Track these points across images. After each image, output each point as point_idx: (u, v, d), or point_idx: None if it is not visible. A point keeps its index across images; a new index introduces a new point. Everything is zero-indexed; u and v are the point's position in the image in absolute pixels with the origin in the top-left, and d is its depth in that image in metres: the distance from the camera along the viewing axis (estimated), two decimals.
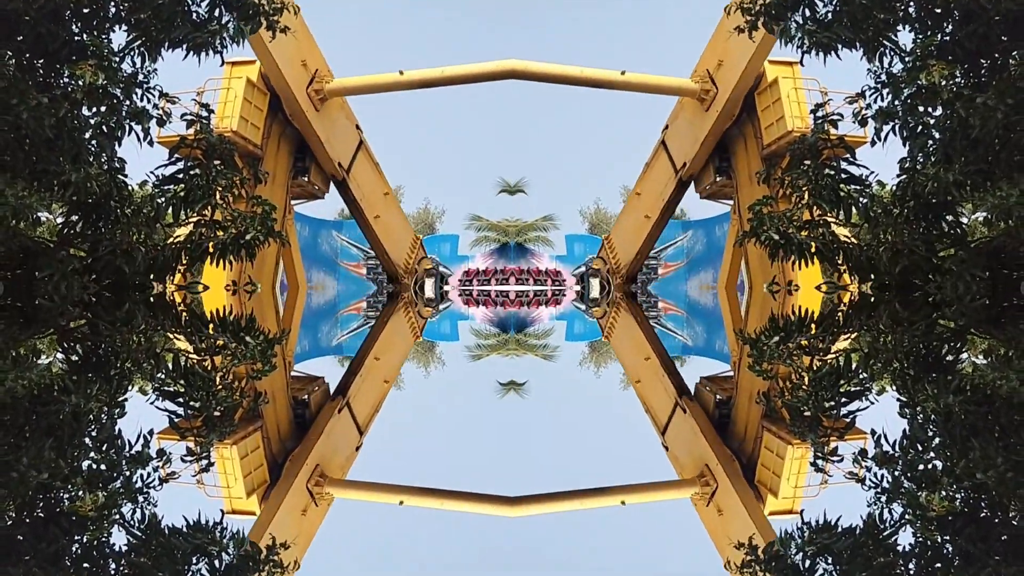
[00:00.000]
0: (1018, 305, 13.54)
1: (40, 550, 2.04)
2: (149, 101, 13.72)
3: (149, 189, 17.21)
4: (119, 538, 2.18)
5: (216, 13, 13.46)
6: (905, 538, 2.20)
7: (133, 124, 13.57)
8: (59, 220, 14.11)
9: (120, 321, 13.86)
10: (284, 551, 2.09)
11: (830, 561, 2.04)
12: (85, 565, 1.96)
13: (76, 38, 12.67)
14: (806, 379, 5.70)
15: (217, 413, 3.98)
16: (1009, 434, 3.42)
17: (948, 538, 2.19)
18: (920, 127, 13.34)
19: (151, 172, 17.33)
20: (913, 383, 5.30)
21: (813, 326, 13.12)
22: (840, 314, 17.88)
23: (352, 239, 38.66)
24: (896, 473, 2.88)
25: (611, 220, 43.59)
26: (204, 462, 3.03)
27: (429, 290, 26.82)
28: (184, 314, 17.35)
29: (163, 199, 16.53)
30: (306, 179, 24.58)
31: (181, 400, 4.54)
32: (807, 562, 2.03)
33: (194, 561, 2.03)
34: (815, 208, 17.51)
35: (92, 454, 3.15)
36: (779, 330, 10.83)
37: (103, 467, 2.94)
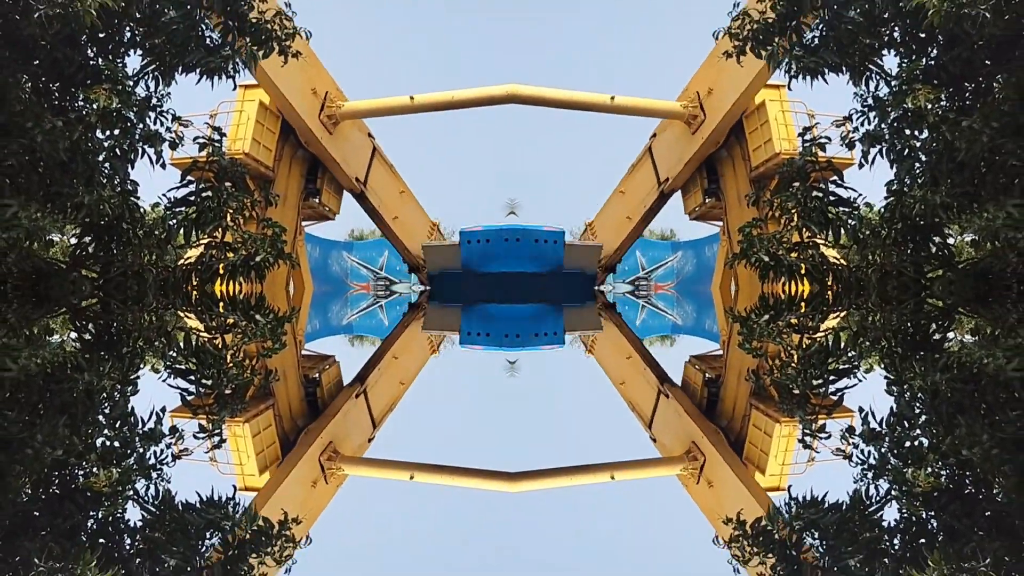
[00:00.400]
0: (1004, 285, 13.52)
1: (56, 525, 2.05)
2: (162, 124, 13.63)
3: (161, 211, 17.07)
4: (133, 514, 2.19)
5: (229, 38, 13.30)
6: (891, 514, 2.21)
7: (146, 147, 13.50)
8: (72, 241, 14.04)
9: (132, 300, 13.86)
10: (296, 526, 2.10)
11: (817, 536, 2.05)
12: (101, 541, 1.96)
13: (91, 62, 12.56)
14: (795, 357, 5.70)
15: (228, 391, 3.98)
16: (995, 411, 3.43)
17: (933, 514, 2.20)
18: (907, 150, 13.25)
19: (163, 195, 17.20)
20: (901, 361, 5.31)
21: (803, 305, 13.09)
22: (830, 293, 17.88)
23: (362, 259, 38.25)
24: (883, 450, 2.88)
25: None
26: (216, 439, 3.04)
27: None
28: (195, 293, 17.35)
29: (175, 221, 16.44)
30: (317, 200, 24.30)
31: (193, 378, 4.55)
32: (794, 537, 2.04)
33: (207, 536, 2.04)
34: (804, 230, 17.46)
35: (106, 431, 3.15)
36: (769, 308, 10.81)
37: (117, 444, 2.95)
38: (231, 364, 5.20)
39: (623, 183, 25.42)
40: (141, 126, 13.23)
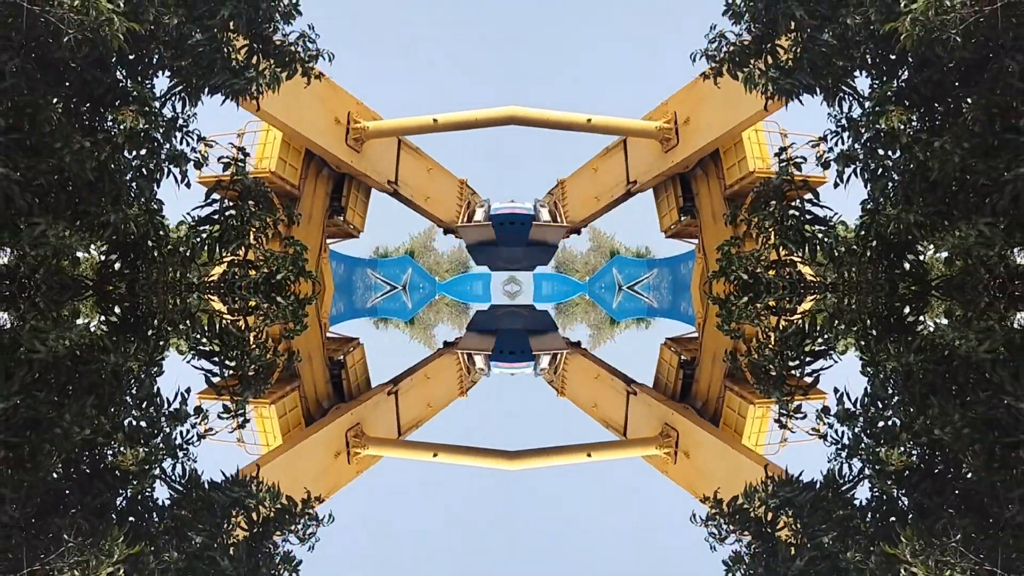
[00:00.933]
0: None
1: (86, 503, 2.04)
2: (188, 144, 13.47)
3: (185, 229, 16.89)
4: (161, 493, 2.18)
5: (254, 60, 13.17)
6: (863, 492, 2.20)
7: (171, 167, 13.33)
8: (100, 258, 13.92)
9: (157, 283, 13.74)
10: (318, 504, 2.09)
11: (791, 514, 2.03)
12: (130, 519, 1.96)
13: (120, 84, 12.39)
14: (772, 339, 5.66)
15: (252, 372, 3.95)
16: (966, 392, 3.41)
17: (904, 492, 2.19)
18: (880, 169, 13.10)
19: (187, 213, 16.98)
20: (875, 343, 5.28)
21: (781, 287, 12.98)
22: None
23: (386, 277, 37.74)
24: (856, 430, 2.87)
25: (577, 259, 41.24)
26: (240, 419, 3.02)
27: (480, 215, 26.07)
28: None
29: (199, 239, 16.26)
30: (342, 219, 23.87)
31: (216, 359, 4.52)
32: (769, 515, 2.03)
33: (233, 514, 2.03)
34: (781, 248, 17.28)
35: (133, 412, 3.14)
36: (748, 290, 10.72)
37: (143, 424, 2.94)
38: (254, 346, 5.16)
39: (597, 161, 25.01)
40: (167, 146, 13.10)
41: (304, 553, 1.75)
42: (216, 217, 17.23)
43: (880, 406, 3.35)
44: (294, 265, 18.00)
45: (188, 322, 6.44)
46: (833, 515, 1.99)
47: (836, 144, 13.51)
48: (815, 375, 4.07)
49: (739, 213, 19.45)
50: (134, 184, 12.81)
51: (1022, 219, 10.64)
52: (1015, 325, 5.90)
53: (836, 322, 6.62)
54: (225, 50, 12.82)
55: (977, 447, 2.57)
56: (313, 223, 22.28)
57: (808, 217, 17.55)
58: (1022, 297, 10.43)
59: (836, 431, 2.85)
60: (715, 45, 13.76)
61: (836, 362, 4.49)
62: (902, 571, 1.63)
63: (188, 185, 13.76)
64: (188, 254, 15.08)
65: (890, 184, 12.83)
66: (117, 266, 13.70)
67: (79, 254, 12.34)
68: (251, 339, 5.42)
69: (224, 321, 7.03)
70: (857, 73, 12.83)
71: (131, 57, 11.49)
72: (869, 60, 12.39)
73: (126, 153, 12.49)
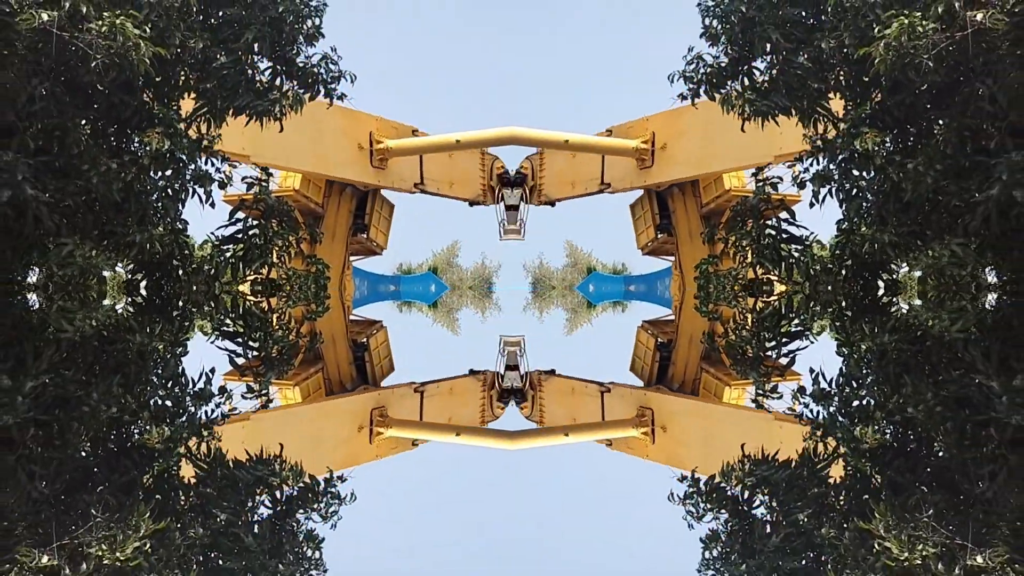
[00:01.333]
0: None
1: (113, 480, 2.04)
2: (212, 165, 13.32)
3: (209, 248, 16.68)
4: (186, 471, 2.17)
5: (277, 82, 12.91)
6: (838, 471, 2.19)
7: (196, 187, 13.20)
8: (125, 277, 13.80)
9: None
10: (341, 483, 2.07)
11: (767, 492, 2.02)
12: (157, 497, 1.95)
13: (146, 107, 12.22)
14: (749, 320, 5.60)
15: (275, 353, 3.90)
16: (939, 371, 3.38)
17: (878, 470, 2.19)
18: (855, 190, 12.99)
19: (211, 232, 16.77)
20: (850, 323, 5.25)
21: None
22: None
23: (410, 295, 36.77)
24: (832, 409, 2.86)
25: (554, 275, 39.22)
26: (264, 399, 2.99)
27: (511, 199, 25.16)
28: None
29: (223, 258, 16.04)
30: (365, 236, 23.37)
31: (240, 340, 4.47)
32: (746, 493, 2.01)
33: (257, 492, 2.02)
34: (758, 267, 17.12)
35: (158, 391, 3.13)
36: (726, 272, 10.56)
37: (169, 403, 2.93)
38: (277, 327, 5.10)
39: (577, 149, 24.43)
40: (192, 167, 12.97)
41: (327, 531, 1.75)
42: (240, 236, 17.04)
43: (855, 386, 3.33)
44: (316, 283, 17.76)
45: (212, 303, 6.38)
46: (808, 493, 1.98)
47: (811, 164, 13.46)
48: (791, 356, 4.03)
49: (716, 232, 19.25)
50: (159, 204, 12.73)
51: (993, 240, 10.55)
52: (986, 306, 5.86)
53: (812, 303, 6.57)
54: (249, 72, 12.65)
55: (949, 425, 2.56)
56: (337, 241, 21.92)
57: (784, 236, 17.43)
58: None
59: (812, 411, 2.84)
60: (692, 67, 13.57)
61: (812, 343, 4.46)
62: (875, 546, 1.62)
63: (212, 205, 13.66)
64: (212, 272, 15.00)
65: (864, 204, 12.78)
66: (143, 285, 13.64)
67: (105, 273, 12.26)
68: (274, 320, 5.36)
69: (247, 302, 6.95)
70: (832, 95, 12.78)
71: (157, 79, 11.36)
72: (844, 82, 12.31)
73: (152, 174, 12.38)
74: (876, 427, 2.58)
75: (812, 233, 17.09)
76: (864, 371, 3.68)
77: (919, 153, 11.20)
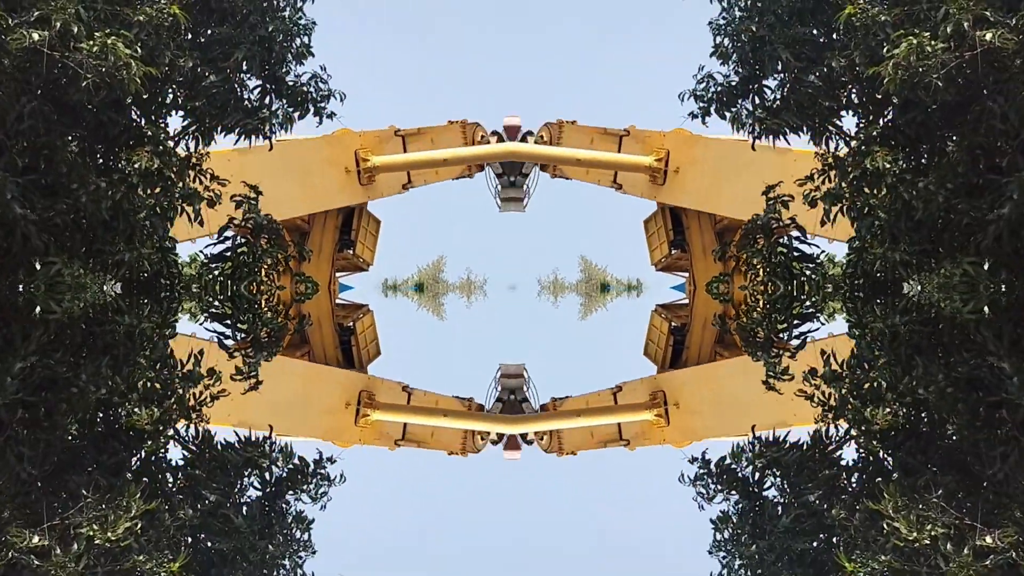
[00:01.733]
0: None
1: (101, 462, 2.04)
2: (201, 183, 13.46)
3: (197, 266, 16.70)
4: (175, 453, 2.18)
5: (267, 100, 13.15)
6: (850, 453, 2.20)
7: (184, 205, 13.31)
8: (111, 295, 14.11)
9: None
10: (331, 464, 2.07)
11: (778, 474, 2.03)
12: (145, 479, 1.96)
13: (135, 124, 12.33)
14: (761, 302, 5.61)
15: (264, 335, 3.91)
16: (951, 352, 3.38)
17: (890, 452, 2.19)
18: (867, 208, 13.14)
19: (201, 251, 16.74)
20: (862, 305, 5.25)
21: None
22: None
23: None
24: (843, 391, 2.86)
25: (567, 289, 40.56)
26: (254, 380, 2.99)
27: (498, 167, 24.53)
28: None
29: (211, 276, 16.07)
30: (352, 252, 23.27)
31: (229, 322, 4.48)
32: (756, 475, 2.02)
33: (246, 473, 2.03)
34: (770, 285, 17.26)
35: (147, 372, 3.13)
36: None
37: (157, 385, 2.93)
38: (266, 309, 5.11)
39: (596, 138, 24.07)
40: (180, 185, 13.12)
41: (316, 512, 1.75)
42: (228, 254, 17.15)
43: (867, 367, 3.34)
44: (306, 302, 18.02)
45: (200, 284, 6.36)
46: (819, 475, 1.99)
47: (823, 182, 13.79)
48: (803, 337, 4.04)
49: (728, 249, 19.32)
50: (147, 223, 12.92)
51: (1006, 259, 10.60)
52: (1001, 288, 5.86)
53: (823, 283, 6.56)
54: (238, 90, 12.57)
55: (960, 407, 2.56)
56: (323, 258, 21.92)
57: (796, 254, 17.64)
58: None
59: (823, 393, 2.84)
60: (703, 85, 13.89)
61: (823, 324, 4.46)
62: (885, 527, 1.63)
63: (201, 223, 13.84)
64: (200, 291, 15.18)
65: (876, 223, 13.02)
66: (128, 304, 13.86)
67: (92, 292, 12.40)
68: (263, 302, 5.35)
69: (235, 285, 6.93)
70: (844, 113, 13.03)
71: (145, 98, 11.46)
72: (855, 100, 12.50)
73: (141, 192, 12.58)
74: (887, 409, 2.59)
75: (823, 251, 17.28)
76: (876, 353, 3.68)
77: (931, 171, 11.37)
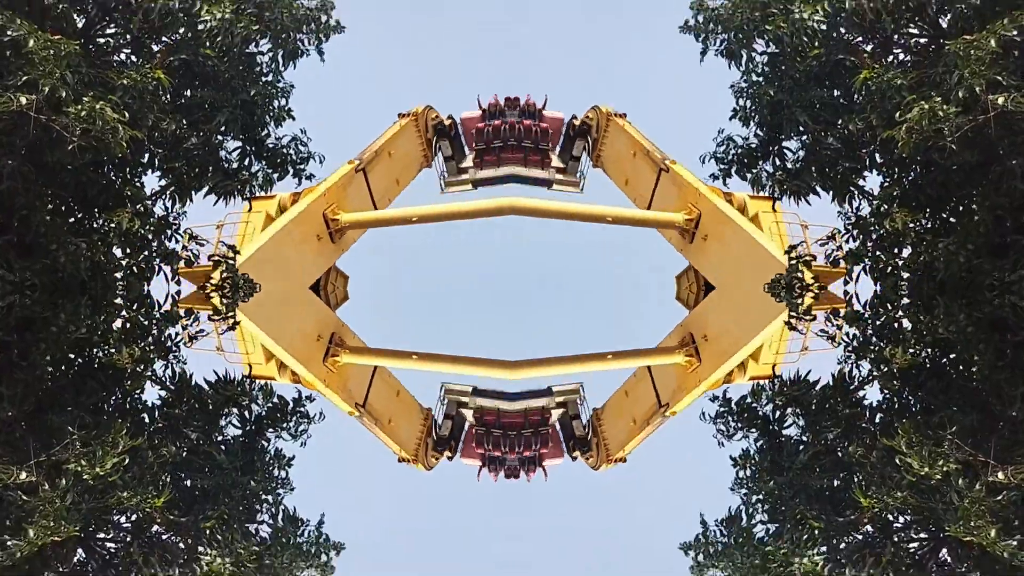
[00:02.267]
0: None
1: (81, 402, 2.03)
2: (178, 242, 13.75)
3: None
4: (151, 394, 2.17)
5: (246, 162, 13.62)
6: (873, 393, 2.19)
7: (162, 265, 13.67)
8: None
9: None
10: (310, 403, 2.08)
11: (799, 412, 2.03)
12: (120, 420, 1.95)
13: (114, 184, 12.51)
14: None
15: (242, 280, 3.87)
16: (973, 291, 3.34)
17: (910, 392, 2.18)
18: (889, 268, 13.20)
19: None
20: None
21: None
22: None
23: None
24: (868, 332, 2.84)
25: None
26: (231, 321, 2.97)
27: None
28: None
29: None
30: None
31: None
32: (776, 413, 2.03)
33: (225, 412, 2.03)
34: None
35: (122, 312, 3.10)
36: None
37: (136, 324, 2.90)
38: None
39: (639, 153, 22.64)
40: (155, 244, 13.58)
41: (296, 449, 1.76)
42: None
43: (889, 307, 3.31)
44: None
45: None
46: (840, 414, 1.99)
47: (847, 241, 14.18)
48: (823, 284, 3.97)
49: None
50: (124, 283, 13.42)
51: None
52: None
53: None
54: (220, 152, 13.10)
55: (983, 346, 2.55)
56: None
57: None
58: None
59: (846, 333, 2.83)
60: (723, 148, 14.43)
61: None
62: (899, 462, 1.63)
63: (179, 282, 14.47)
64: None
65: (899, 282, 13.43)
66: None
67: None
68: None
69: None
70: (866, 173, 13.01)
71: (119, 157, 11.70)
72: (879, 159, 12.49)
73: (122, 251, 13.03)
74: (908, 348, 2.57)
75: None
76: (899, 293, 3.64)
77: (953, 230, 11.66)
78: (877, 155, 12.89)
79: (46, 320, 2.82)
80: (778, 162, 13.98)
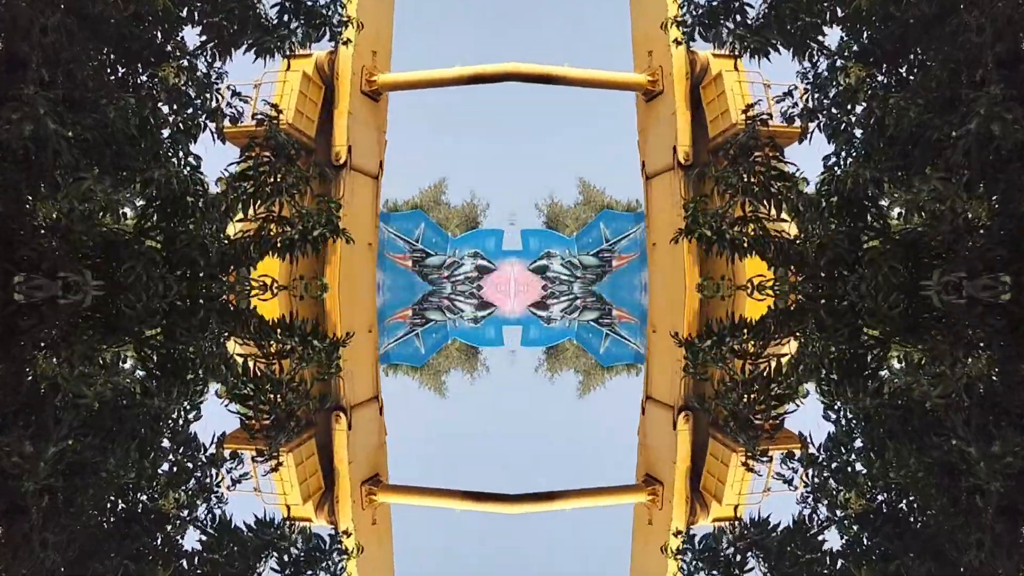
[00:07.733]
0: (935, 316, 13.40)
1: (124, 548, 2.00)
2: (221, 100, 13.08)
3: (222, 185, 15.20)
4: (190, 537, 2.13)
5: (285, 18, 12.73)
6: (833, 537, 2.15)
7: (208, 122, 12.90)
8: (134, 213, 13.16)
9: (195, 328, 13.70)
10: (347, 538, 2.02)
11: (761, 556, 1.97)
12: (160, 565, 1.91)
13: (157, 39, 11.82)
14: (739, 383, 5.53)
15: (287, 416, 3.83)
16: (922, 436, 3.35)
17: (868, 535, 2.14)
18: (843, 125, 12.61)
19: (225, 168, 15.47)
20: (836, 387, 5.21)
21: (745, 331, 12.84)
22: (771, 321, 17.53)
23: (398, 231, 33.36)
24: (824, 475, 2.82)
25: (567, 214, 36.97)
26: (274, 462, 2.93)
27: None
28: (254, 320, 17.02)
29: (234, 195, 15.30)
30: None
31: (251, 403, 4.41)
32: (738, 556, 1.97)
33: (263, 556, 1.97)
34: (747, 204, 15.79)
35: (170, 456, 3.10)
36: (712, 334, 10.48)
37: (180, 469, 2.89)
38: (287, 390, 5.05)
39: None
40: (199, 101, 12.65)
41: None
42: (251, 173, 16.24)
43: (843, 450, 3.30)
44: (329, 222, 16.33)
45: (224, 367, 6.38)
46: (801, 560, 1.94)
47: (805, 100, 13.07)
48: (780, 419, 4.01)
49: (707, 170, 18.31)
50: (171, 140, 12.27)
51: (976, 175, 9.96)
52: (967, 372, 5.83)
53: (800, 367, 6.56)
54: (257, 7, 12.06)
55: (934, 491, 2.52)
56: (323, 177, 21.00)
57: (774, 173, 16.65)
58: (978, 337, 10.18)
59: (803, 475, 2.81)
60: (684, 9, 13.22)
61: (799, 406, 4.44)
62: None
63: (224, 140, 13.23)
64: (224, 210, 14.15)
65: (853, 139, 12.29)
66: (154, 220, 12.74)
67: (125, 210, 11.63)
68: (285, 383, 5.32)
69: (258, 365, 6.91)
70: (827, 27, 12.18)
71: (162, 11, 11.10)
72: (839, 13, 11.71)
73: (170, 107, 11.97)
74: (862, 492, 2.54)
75: (800, 170, 16.31)
76: (853, 435, 3.65)
77: (909, 87, 10.81)
78: (838, 8, 11.80)
79: (96, 465, 2.82)
80: (739, 18, 12.59)
